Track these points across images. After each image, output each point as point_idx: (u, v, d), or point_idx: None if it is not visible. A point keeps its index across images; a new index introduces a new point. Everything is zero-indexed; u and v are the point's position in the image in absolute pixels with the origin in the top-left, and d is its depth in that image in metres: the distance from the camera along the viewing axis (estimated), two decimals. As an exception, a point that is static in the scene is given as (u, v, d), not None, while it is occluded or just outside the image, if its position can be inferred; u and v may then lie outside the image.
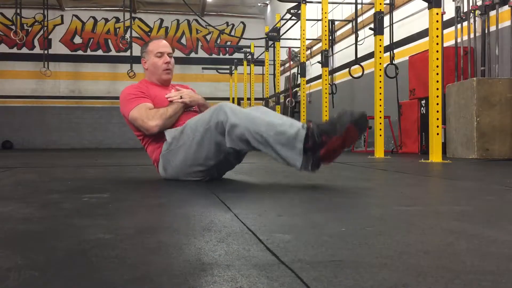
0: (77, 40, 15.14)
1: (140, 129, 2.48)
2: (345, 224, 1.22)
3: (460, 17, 5.91)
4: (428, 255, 0.89)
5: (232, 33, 16.09)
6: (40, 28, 13.91)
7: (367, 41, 8.05)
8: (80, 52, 15.13)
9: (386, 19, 6.23)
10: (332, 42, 9.39)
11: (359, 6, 7.55)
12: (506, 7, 5.26)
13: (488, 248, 0.95)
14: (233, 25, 16.27)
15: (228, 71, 14.58)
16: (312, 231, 1.11)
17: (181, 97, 2.51)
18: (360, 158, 5.08)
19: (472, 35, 5.77)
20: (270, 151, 2.03)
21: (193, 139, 2.27)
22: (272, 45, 10.41)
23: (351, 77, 7.45)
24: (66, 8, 14.92)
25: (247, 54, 12.51)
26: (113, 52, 15.25)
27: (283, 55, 11.76)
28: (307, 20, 7.87)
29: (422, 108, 6.19)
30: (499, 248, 0.94)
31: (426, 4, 4.59)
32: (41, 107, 14.62)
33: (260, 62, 12.37)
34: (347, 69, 7.58)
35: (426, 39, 5.35)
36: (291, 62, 11.48)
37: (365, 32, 8.16)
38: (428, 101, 4.66)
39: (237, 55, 14.76)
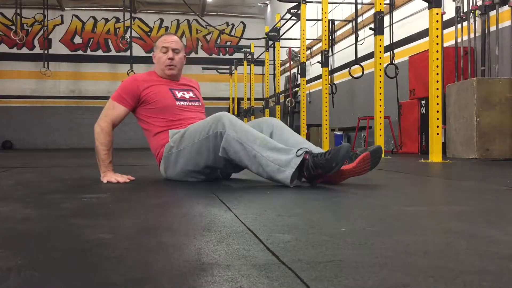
0: (77, 40, 15.14)
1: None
2: (345, 224, 1.22)
3: (460, 17, 5.90)
4: (428, 255, 0.89)
5: (232, 33, 16.09)
6: (40, 28, 13.91)
7: (367, 41, 8.05)
8: (80, 52, 15.12)
9: (386, 19, 6.23)
10: (332, 42, 9.39)
11: (359, 6, 7.55)
12: (506, 7, 5.26)
13: (488, 248, 0.95)
14: (233, 25, 16.27)
15: (228, 71, 14.57)
16: (312, 231, 1.11)
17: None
18: (360, 158, 5.06)
19: (472, 35, 5.77)
20: (261, 171, 2.06)
21: (192, 145, 2.30)
22: (272, 45, 10.40)
23: (351, 77, 7.45)
24: (66, 8, 14.92)
25: (247, 54, 12.51)
26: (113, 52, 15.25)
27: (283, 55, 11.76)
28: (307, 20, 7.86)
29: (422, 108, 6.19)
30: (499, 248, 0.94)
31: (426, 4, 4.59)
32: (41, 107, 14.62)
33: (260, 62, 12.36)
34: (347, 69, 7.58)
35: (426, 39, 5.35)
36: (291, 62, 11.48)
37: (365, 32, 8.16)
38: (428, 101, 4.65)
39: (237, 55, 14.78)
